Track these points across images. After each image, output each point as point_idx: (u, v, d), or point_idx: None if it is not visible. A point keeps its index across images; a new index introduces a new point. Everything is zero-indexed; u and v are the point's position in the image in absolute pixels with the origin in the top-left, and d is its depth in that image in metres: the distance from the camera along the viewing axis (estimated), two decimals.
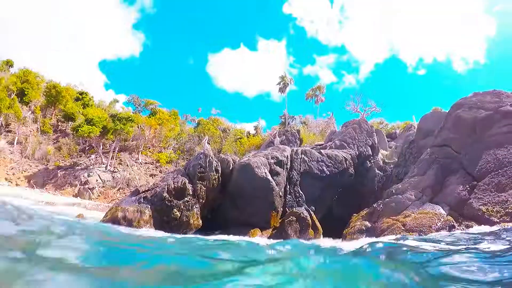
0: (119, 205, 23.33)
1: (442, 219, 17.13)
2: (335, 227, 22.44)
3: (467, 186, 18.50)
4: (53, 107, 68.63)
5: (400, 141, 40.05)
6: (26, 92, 64.25)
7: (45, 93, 67.75)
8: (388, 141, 41.64)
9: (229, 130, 70.26)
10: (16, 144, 57.47)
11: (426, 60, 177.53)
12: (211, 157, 24.83)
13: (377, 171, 30.84)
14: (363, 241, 15.45)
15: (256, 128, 74.07)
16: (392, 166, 30.89)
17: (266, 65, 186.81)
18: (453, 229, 16.64)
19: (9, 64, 75.50)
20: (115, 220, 21.46)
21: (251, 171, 24.54)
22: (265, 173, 24.83)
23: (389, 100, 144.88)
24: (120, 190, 49.68)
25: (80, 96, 70.49)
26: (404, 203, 19.40)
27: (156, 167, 56.85)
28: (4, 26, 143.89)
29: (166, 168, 55.27)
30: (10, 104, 58.17)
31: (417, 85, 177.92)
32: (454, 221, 17.01)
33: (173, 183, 23.10)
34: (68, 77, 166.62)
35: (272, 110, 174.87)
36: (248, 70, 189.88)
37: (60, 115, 66.30)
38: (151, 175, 53.81)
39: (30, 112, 63.52)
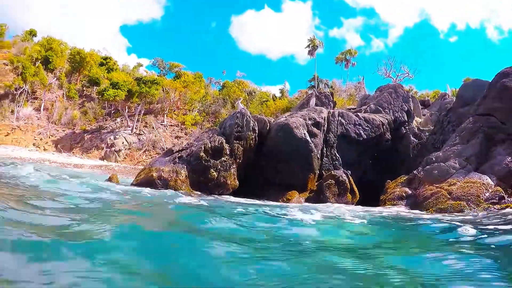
0: (152, 165, 21.99)
1: (490, 190, 15.61)
2: (368, 193, 21.12)
3: None
4: (77, 73, 68.18)
5: (433, 109, 37.38)
6: (50, 60, 63.67)
7: (69, 60, 67.47)
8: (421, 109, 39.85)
9: (254, 93, 68.66)
10: (43, 110, 57.37)
11: (459, 27, 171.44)
12: (249, 116, 23.15)
13: (412, 138, 29.01)
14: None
15: (282, 91, 72.12)
16: (427, 133, 29.06)
17: (291, 27, 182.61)
18: (503, 201, 15.09)
19: (32, 33, 75.42)
20: (149, 181, 20.15)
21: (290, 132, 22.79)
22: (304, 134, 23.10)
23: (418, 67, 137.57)
24: (146, 152, 48.94)
25: (104, 61, 69.75)
26: (448, 171, 17.71)
27: (181, 129, 55.88)
28: None
29: (191, 130, 54.27)
30: (35, 72, 57.94)
31: (448, 52, 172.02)
32: (503, 192, 15.43)
33: (210, 142, 21.55)
34: (91, 43, 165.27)
35: (297, 73, 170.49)
36: (272, 32, 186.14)
37: (85, 80, 65.46)
38: (176, 137, 52.83)
39: (55, 78, 63.06)
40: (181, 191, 18.83)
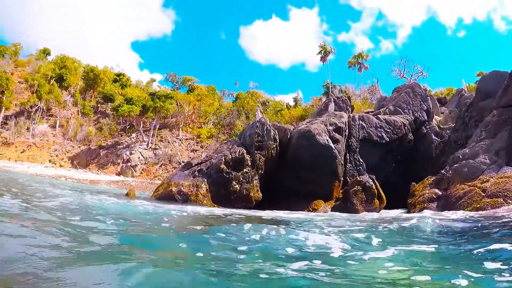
0: (171, 179, 20.96)
1: None
2: (391, 196, 20.42)
3: None
4: (92, 90, 68.11)
5: (451, 106, 37.11)
6: (64, 77, 63.61)
7: (83, 77, 67.56)
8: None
9: (268, 102, 67.64)
10: (58, 127, 57.01)
11: (466, 21, 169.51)
12: (269, 125, 22.06)
13: (433, 137, 28.05)
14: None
15: (295, 99, 70.53)
16: (448, 131, 28.12)
17: (299, 35, 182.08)
18: None
19: (46, 52, 76.05)
20: (168, 196, 19.17)
21: (312, 138, 21.68)
22: (327, 140, 21.98)
23: (429, 65, 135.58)
24: (162, 167, 48.01)
25: (118, 78, 69.57)
26: (479, 167, 16.98)
27: (197, 143, 55.00)
28: (37, 16, 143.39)
29: (207, 143, 53.32)
30: (50, 90, 58.06)
31: (457, 48, 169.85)
32: None
33: (230, 154, 20.45)
34: (104, 60, 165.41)
35: (309, 80, 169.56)
36: (281, 41, 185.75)
37: (99, 97, 65.22)
38: (192, 150, 51.91)
39: (70, 96, 63.11)
40: (203, 206, 17.84)
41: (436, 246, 7.36)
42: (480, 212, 13.52)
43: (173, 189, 19.22)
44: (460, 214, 13.55)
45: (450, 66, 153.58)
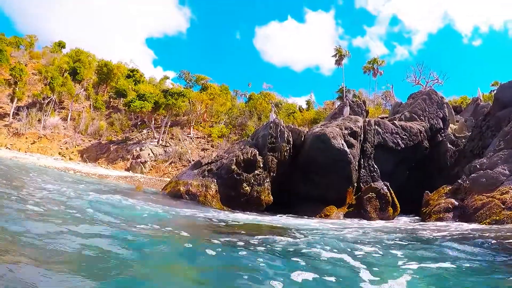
0: (180, 178, 20.39)
1: None
2: (405, 203, 20.13)
3: None
4: (105, 84, 67.84)
5: (466, 115, 36.07)
6: (78, 71, 63.78)
7: (96, 71, 67.28)
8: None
9: (281, 104, 66.72)
10: (70, 120, 56.58)
11: (482, 29, 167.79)
12: (283, 126, 21.39)
13: (449, 145, 27.30)
14: None
15: (308, 102, 69.89)
16: (464, 140, 27.37)
17: (315, 38, 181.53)
18: None
19: (61, 45, 76.41)
20: (176, 195, 18.51)
21: (327, 142, 20.97)
22: (342, 144, 21.27)
23: (444, 73, 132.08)
24: (172, 164, 47.30)
25: (131, 73, 69.08)
26: (498, 178, 16.39)
27: (208, 142, 54.27)
28: (53, 9, 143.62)
29: (218, 143, 52.58)
30: (63, 82, 57.81)
31: (472, 56, 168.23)
32: None
33: (242, 154, 19.72)
34: (117, 55, 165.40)
35: (322, 84, 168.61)
36: (296, 43, 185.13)
37: (112, 91, 64.82)
38: (203, 149, 51.15)
39: (83, 89, 62.86)
40: (212, 207, 17.11)
41: (466, 264, 6.82)
42: (500, 225, 12.96)
43: (181, 189, 18.63)
44: (482, 227, 12.93)
45: (465, 74, 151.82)
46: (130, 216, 10.93)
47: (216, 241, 8.19)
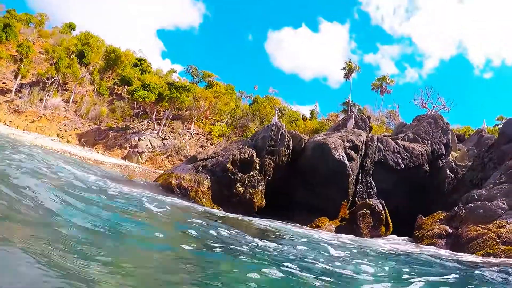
0: (173, 171, 19.88)
1: None
2: (399, 225, 19.98)
3: None
4: (111, 71, 67.32)
5: (469, 144, 36.16)
6: (85, 54, 63.34)
7: (104, 57, 66.72)
8: None
9: (285, 110, 66.28)
10: (71, 102, 56.11)
11: (495, 63, 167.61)
12: (284, 130, 21.00)
13: (448, 172, 27.07)
14: None
15: (312, 112, 69.03)
16: (464, 169, 27.10)
17: (326, 49, 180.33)
18: None
19: (71, 27, 75.97)
20: (167, 187, 18.01)
21: (328, 152, 20.74)
22: (342, 156, 21.05)
23: (451, 100, 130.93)
24: (169, 158, 46.90)
25: (139, 63, 68.49)
26: (495, 211, 16.25)
27: (207, 139, 53.90)
28: None
29: (217, 141, 52.19)
30: (69, 64, 57.17)
31: (481, 88, 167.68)
32: None
33: (239, 154, 19.29)
34: (127, 42, 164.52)
35: (328, 95, 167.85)
36: (307, 51, 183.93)
37: (117, 78, 64.04)
38: (201, 146, 50.69)
39: (88, 73, 62.10)
40: (201, 205, 16.64)
41: None
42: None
43: (173, 181, 18.18)
44: (480, 259, 12.69)
45: (472, 105, 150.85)
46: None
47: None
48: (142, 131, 51.11)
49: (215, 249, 6.69)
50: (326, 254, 8.72)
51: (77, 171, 16.10)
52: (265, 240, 9.11)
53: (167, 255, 6.11)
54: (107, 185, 13.87)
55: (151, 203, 11.49)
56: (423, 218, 19.23)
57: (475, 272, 9.07)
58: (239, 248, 7.06)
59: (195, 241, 6.93)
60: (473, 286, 7.26)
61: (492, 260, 12.51)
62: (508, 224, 15.13)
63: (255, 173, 19.05)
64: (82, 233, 5.89)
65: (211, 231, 8.76)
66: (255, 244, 8.21)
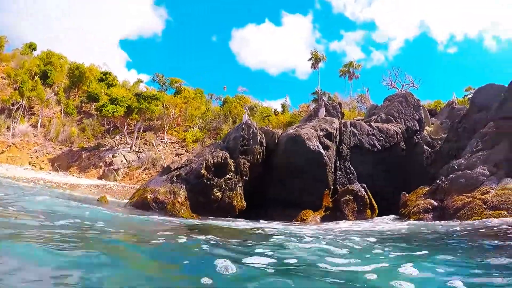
0: (147, 185, 19.32)
1: None
2: (382, 205, 20.16)
3: None
4: (76, 88, 65.88)
5: (441, 117, 36.99)
6: (49, 74, 61.62)
7: (68, 74, 65.33)
8: None
9: (256, 108, 66.23)
10: (40, 126, 54.96)
11: (458, 38, 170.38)
12: (255, 128, 20.62)
13: (425, 147, 27.36)
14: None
15: (283, 106, 69.79)
16: (439, 142, 27.72)
17: (291, 41, 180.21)
18: None
19: (32, 47, 73.76)
20: (143, 204, 17.52)
21: (301, 144, 20.51)
22: (317, 145, 20.84)
23: (419, 77, 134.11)
24: (146, 171, 46.20)
25: (104, 77, 67.40)
26: (478, 178, 16.64)
27: (182, 147, 53.35)
28: (25, 10, 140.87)
29: (192, 147, 51.62)
30: (33, 87, 55.88)
31: (447, 63, 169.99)
32: None
33: (212, 158, 18.82)
34: (90, 57, 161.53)
35: (297, 87, 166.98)
36: (272, 46, 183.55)
37: (83, 96, 62.72)
38: (177, 155, 50.08)
39: (54, 94, 60.66)
40: (179, 217, 16.06)
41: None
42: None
43: (148, 196, 17.58)
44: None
45: (440, 80, 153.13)
46: None
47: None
48: (115, 147, 50.30)
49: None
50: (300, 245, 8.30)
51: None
52: (247, 243, 8.61)
53: None
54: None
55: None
56: (407, 195, 19.32)
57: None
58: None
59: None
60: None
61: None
62: (493, 189, 15.43)
63: (231, 176, 18.64)
64: None
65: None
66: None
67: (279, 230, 11.95)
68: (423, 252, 7.68)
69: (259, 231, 11.86)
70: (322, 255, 7.10)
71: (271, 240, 9.44)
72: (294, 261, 6.57)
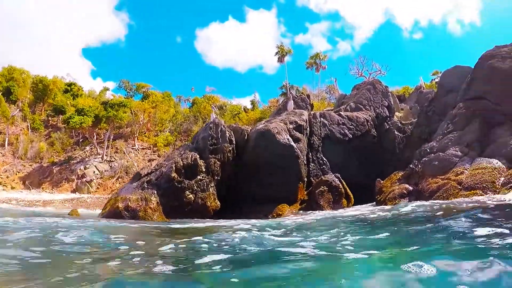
0: (119, 194, 18.90)
1: (503, 173, 14.74)
2: (358, 193, 20.18)
3: None
4: (41, 102, 64.34)
5: (410, 102, 37.90)
6: (12, 90, 60.48)
7: (32, 89, 63.70)
8: None
9: (225, 106, 65.95)
10: (7, 145, 53.23)
11: (422, 23, 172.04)
12: (223, 126, 20.32)
13: (396, 132, 27.66)
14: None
15: (253, 102, 69.64)
16: (410, 126, 28.27)
17: (257, 37, 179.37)
18: None
19: None
20: (115, 213, 17.07)
21: (271, 138, 20.36)
22: (288, 139, 20.70)
23: (386, 64, 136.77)
24: (120, 179, 45.46)
25: (69, 88, 66.11)
26: (451, 160, 17.04)
27: (154, 152, 52.75)
28: None
29: (164, 152, 51.06)
30: None
31: (413, 49, 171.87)
32: None
33: (182, 160, 18.45)
34: (53, 69, 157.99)
35: (266, 83, 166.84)
36: (238, 43, 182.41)
37: (49, 109, 61.45)
38: (149, 160, 49.37)
39: (18, 110, 59.02)
40: (152, 222, 15.64)
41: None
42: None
43: (120, 205, 17.12)
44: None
45: (406, 66, 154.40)
46: None
47: None
48: (87, 159, 49.39)
49: None
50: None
51: None
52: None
53: None
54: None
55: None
56: (382, 182, 19.40)
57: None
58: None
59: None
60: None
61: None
62: (466, 170, 15.69)
63: (203, 176, 18.33)
64: None
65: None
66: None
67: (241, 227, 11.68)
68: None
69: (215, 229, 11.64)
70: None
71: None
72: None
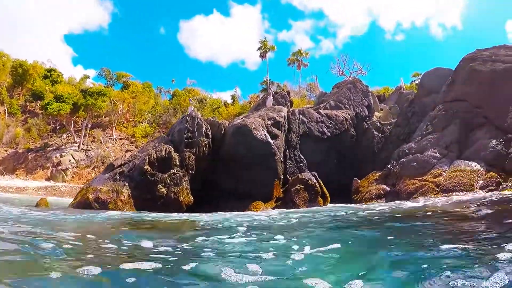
0: (90, 184, 18.34)
1: (482, 176, 14.96)
2: (336, 193, 19.62)
3: (501, 139, 16.52)
4: (20, 87, 63.32)
5: (390, 103, 37.50)
6: None
7: (11, 73, 62.64)
8: None
9: (205, 100, 65.58)
10: None
11: (404, 25, 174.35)
12: (200, 119, 19.79)
13: (375, 132, 27.46)
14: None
15: (233, 97, 69.41)
16: (389, 127, 28.01)
17: (240, 32, 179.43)
18: (500, 186, 14.22)
19: None
20: (85, 204, 16.56)
21: (249, 134, 20.05)
22: (265, 135, 20.42)
23: (367, 63, 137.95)
24: (95, 169, 44.82)
25: (49, 74, 64.91)
26: (429, 161, 17.12)
27: (132, 142, 52.31)
28: None
29: (142, 143, 50.34)
30: None
31: (395, 50, 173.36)
32: (498, 177, 14.75)
33: (155, 153, 17.96)
34: (34, 54, 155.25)
35: (247, 78, 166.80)
36: (221, 37, 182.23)
37: (28, 94, 60.62)
38: (126, 151, 48.77)
39: None
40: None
41: None
42: None
43: (90, 196, 16.64)
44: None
45: (387, 67, 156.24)
46: None
47: None
48: (63, 147, 48.71)
49: None
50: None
51: None
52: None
53: None
54: None
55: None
56: (359, 181, 19.55)
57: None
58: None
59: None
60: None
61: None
62: (445, 172, 15.88)
63: (176, 170, 17.85)
64: None
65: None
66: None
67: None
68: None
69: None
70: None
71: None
72: None
